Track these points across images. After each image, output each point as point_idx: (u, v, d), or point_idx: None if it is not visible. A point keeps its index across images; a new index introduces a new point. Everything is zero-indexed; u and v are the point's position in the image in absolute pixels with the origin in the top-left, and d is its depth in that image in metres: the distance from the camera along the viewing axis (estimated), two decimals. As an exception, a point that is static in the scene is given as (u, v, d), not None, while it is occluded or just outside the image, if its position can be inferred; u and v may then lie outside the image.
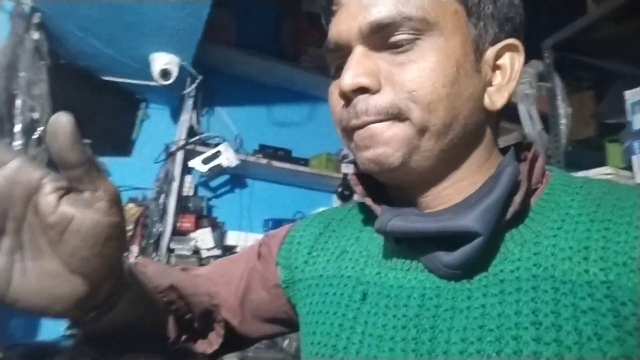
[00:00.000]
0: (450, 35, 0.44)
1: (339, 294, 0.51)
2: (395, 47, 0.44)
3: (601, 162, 1.59)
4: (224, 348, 0.59)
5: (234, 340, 0.61)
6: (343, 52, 0.47)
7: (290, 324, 0.61)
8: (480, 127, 0.48)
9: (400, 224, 0.44)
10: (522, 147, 0.51)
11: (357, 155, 0.48)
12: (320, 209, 2.32)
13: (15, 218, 0.33)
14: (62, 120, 0.32)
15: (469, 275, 0.43)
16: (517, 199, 0.43)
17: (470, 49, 0.45)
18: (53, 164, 0.34)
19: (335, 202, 2.23)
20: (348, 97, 0.45)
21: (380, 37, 0.44)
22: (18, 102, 1.36)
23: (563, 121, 1.53)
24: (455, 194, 0.47)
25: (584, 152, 2.12)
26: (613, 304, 0.37)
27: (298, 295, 0.57)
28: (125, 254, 0.40)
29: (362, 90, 0.44)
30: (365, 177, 0.53)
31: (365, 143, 0.45)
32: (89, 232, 0.33)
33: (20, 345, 0.41)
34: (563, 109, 1.56)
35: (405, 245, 0.48)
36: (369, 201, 0.51)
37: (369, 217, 0.55)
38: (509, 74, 0.48)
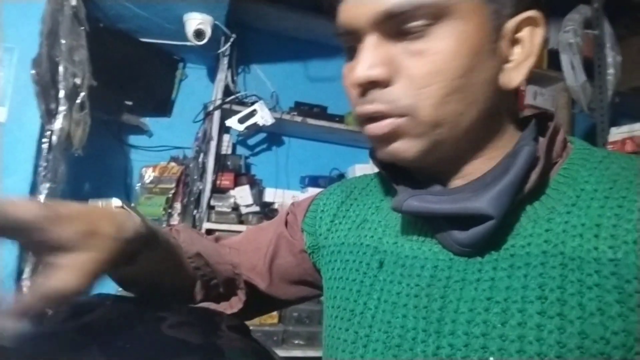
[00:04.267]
0: (466, 17, 0.42)
1: (358, 261, 0.53)
2: (409, 34, 0.42)
3: (653, 113, 1.49)
4: (254, 310, 0.64)
5: (265, 302, 0.65)
6: (354, 36, 0.45)
7: (316, 287, 0.65)
8: (497, 107, 0.46)
9: (415, 204, 0.45)
10: (545, 117, 0.50)
11: (374, 147, 0.48)
12: (356, 166, 2.31)
13: None
14: None
15: (478, 251, 0.44)
16: (533, 176, 0.42)
17: (488, 29, 0.43)
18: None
19: (372, 158, 2.22)
20: (359, 89, 0.44)
21: (392, 24, 0.42)
22: (60, 69, 1.42)
23: (611, 71, 1.43)
24: (472, 169, 0.47)
25: (636, 102, 1.99)
26: (619, 281, 0.37)
27: (322, 260, 0.60)
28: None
29: (375, 82, 0.43)
30: None
31: (378, 138, 0.45)
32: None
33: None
34: (612, 57, 1.46)
35: (422, 219, 0.49)
36: (386, 173, 0.52)
37: (389, 187, 0.56)
38: (527, 48, 0.45)
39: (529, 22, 0.45)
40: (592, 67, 1.51)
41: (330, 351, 0.53)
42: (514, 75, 0.45)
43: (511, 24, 0.44)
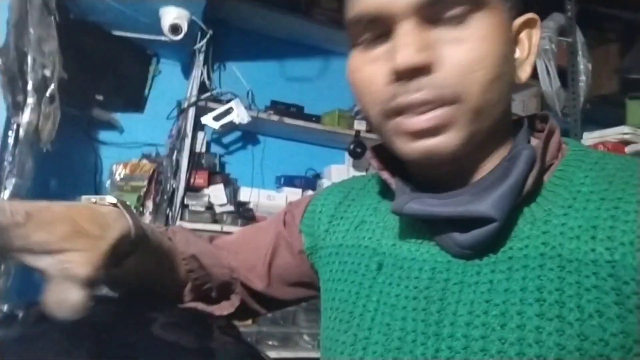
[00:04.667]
0: (496, 9, 0.43)
1: (357, 263, 0.52)
2: (447, 20, 0.41)
3: (621, 120, 1.54)
4: (248, 312, 0.63)
5: (260, 304, 0.64)
6: (381, 24, 0.43)
7: (313, 288, 0.63)
8: (510, 102, 0.48)
9: (417, 207, 0.44)
10: (537, 118, 0.50)
11: (402, 143, 0.44)
12: (332, 166, 2.32)
13: None
14: None
15: (478, 253, 0.44)
16: (530, 179, 0.43)
17: (509, 24, 0.45)
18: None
19: (348, 159, 2.23)
20: (403, 76, 0.41)
21: (434, 10, 0.41)
22: (29, 59, 1.36)
23: (582, 78, 1.48)
24: (474, 170, 0.47)
25: (604, 109, 2.07)
26: (616, 283, 0.37)
27: (320, 262, 0.59)
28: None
29: (419, 69, 0.41)
30: (381, 148, 0.53)
31: (421, 132, 0.42)
32: None
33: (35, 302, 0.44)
34: (583, 64, 1.51)
35: (421, 221, 0.48)
36: (385, 175, 0.51)
37: (388, 188, 0.55)
38: (527, 47, 0.47)
39: (527, 24, 0.47)
40: (564, 74, 1.56)
41: (328, 353, 0.52)
42: (520, 72, 0.47)
43: (515, 25, 0.46)
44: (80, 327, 0.40)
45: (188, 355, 0.39)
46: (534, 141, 0.48)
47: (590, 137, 1.36)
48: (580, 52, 1.51)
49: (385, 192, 0.56)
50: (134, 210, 1.64)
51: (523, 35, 0.47)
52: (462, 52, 0.41)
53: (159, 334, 0.41)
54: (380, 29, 0.44)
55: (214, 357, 0.41)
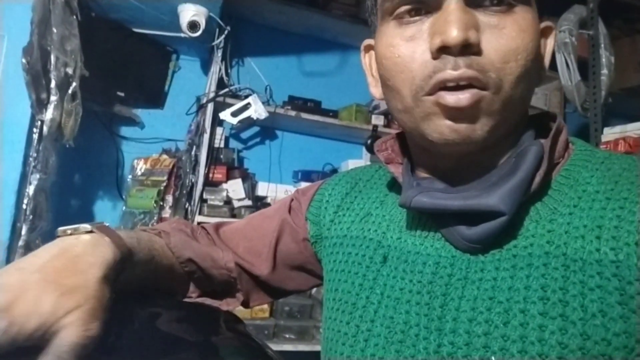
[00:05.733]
0: (531, 8, 0.44)
1: (361, 255, 0.53)
2: (489, 8, 0.42)
3: (647, 114, 1.50)
4: (252, 301, 0.64)
5: (265, 291, 0.65)
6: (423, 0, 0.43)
7: (316, 276, 0.65)
8: (530, 100, 0.48)
9: (425, 201, 0.45)
10: (544, 116, 0.50)
11: (437, 122, 0.43)
12: (349, 161, 2.30)
13: None
14: None
15: (484, 248, 0.44)
16: (537, 177, 0.43)
17: (539, 25, 0.45)
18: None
19: (365, 154, 2.22)
20: (452, 51, 0.40)
21: None
22: (52, 58, 1.40)
23: (604, 71, 1.44)
24: (485, 164, 0.46)
25: (630, 102, 2.01)
26: (620, 283, 0.37)
27: (324, 251, 0.60)
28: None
29: (468, 47, 0.40)
30: (389, 142, 0.54)
31: (459, 110, 0.41)
32: None
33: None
34: (606, 57, 1.47)
35: (427, 215, 0.49)
36: (392, 168, 0.52)
37: (394, 181, 0.55)
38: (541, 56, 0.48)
39: (543, 32, 0.48)
40: (586, 67, 1.52)
41: (329, 344, 0.53)
42: None
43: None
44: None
45: (191, 350, 0.40)
46: (543, 140, 0.47)
47: (610, 133, 1.33)
48: (602, 45, 1.47)
49: (392, 184, 0.57)
50: (154, 204, 1.65)
51: (540, 42, 0.47)
52: (503, 39, 0.41)
53: (164, 329, 0.42)
54: (423, 3, 0.43)
55: (216, 351, 0.42)
